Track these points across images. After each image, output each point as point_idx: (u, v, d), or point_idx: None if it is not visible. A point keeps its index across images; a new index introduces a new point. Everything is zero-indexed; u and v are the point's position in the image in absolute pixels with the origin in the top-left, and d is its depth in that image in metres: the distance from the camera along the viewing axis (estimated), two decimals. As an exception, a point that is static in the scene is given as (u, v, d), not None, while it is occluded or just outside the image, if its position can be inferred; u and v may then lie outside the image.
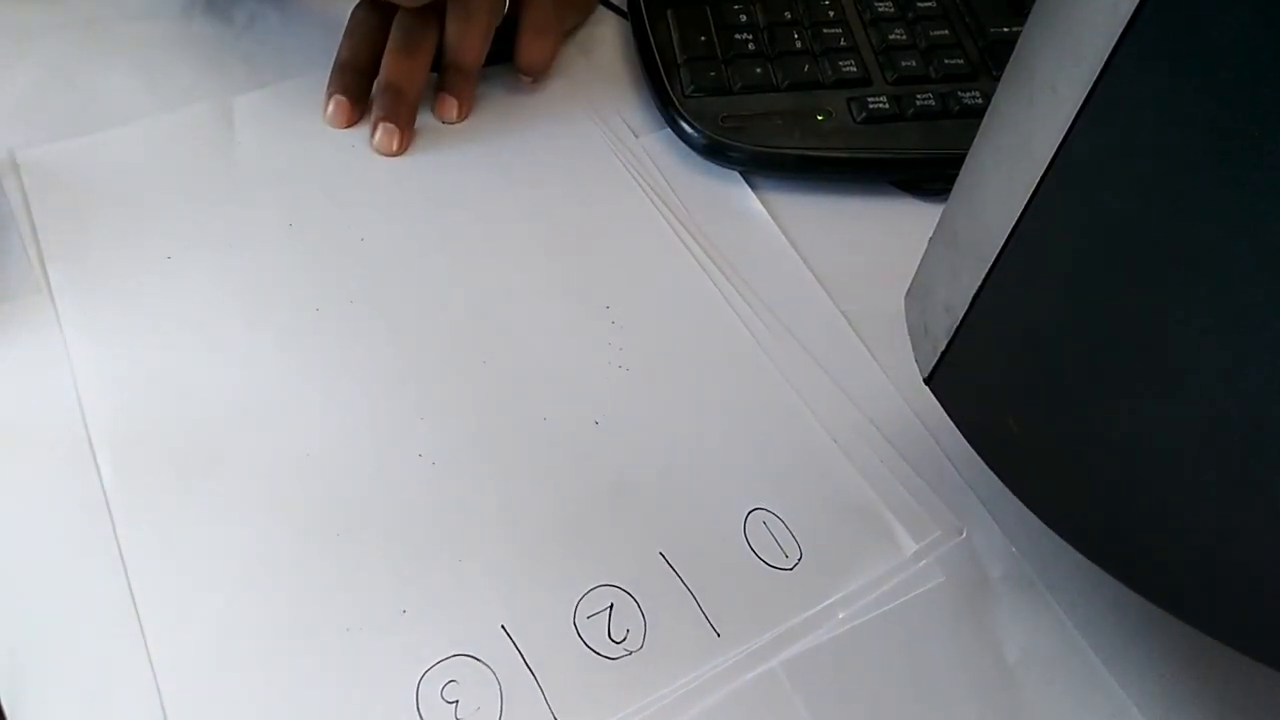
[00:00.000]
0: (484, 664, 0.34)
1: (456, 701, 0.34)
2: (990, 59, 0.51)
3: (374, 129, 0.49)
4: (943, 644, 0.36)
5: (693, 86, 0.50)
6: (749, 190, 0.49)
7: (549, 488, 0.39)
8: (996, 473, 0.33)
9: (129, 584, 0.35)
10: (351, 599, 0.35)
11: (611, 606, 0.36)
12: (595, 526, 0.38)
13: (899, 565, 0.38)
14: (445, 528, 0.37)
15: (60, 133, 0.48)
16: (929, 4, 0.53)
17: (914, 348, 0.34)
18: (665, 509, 0.38)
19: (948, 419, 0.34)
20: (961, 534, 0.39)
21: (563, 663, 0.35)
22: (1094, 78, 0.23)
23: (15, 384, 0.40)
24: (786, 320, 0.45)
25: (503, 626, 0.35)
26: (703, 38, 0.52)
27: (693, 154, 0.50)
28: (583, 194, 0.49)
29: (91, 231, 0.45)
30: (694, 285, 0.46)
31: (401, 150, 0.49)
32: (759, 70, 0.50)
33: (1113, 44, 0.22)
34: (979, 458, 0.33)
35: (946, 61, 0.51)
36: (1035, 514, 0.32)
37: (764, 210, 0.49)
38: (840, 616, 0.36)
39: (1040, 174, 0.25)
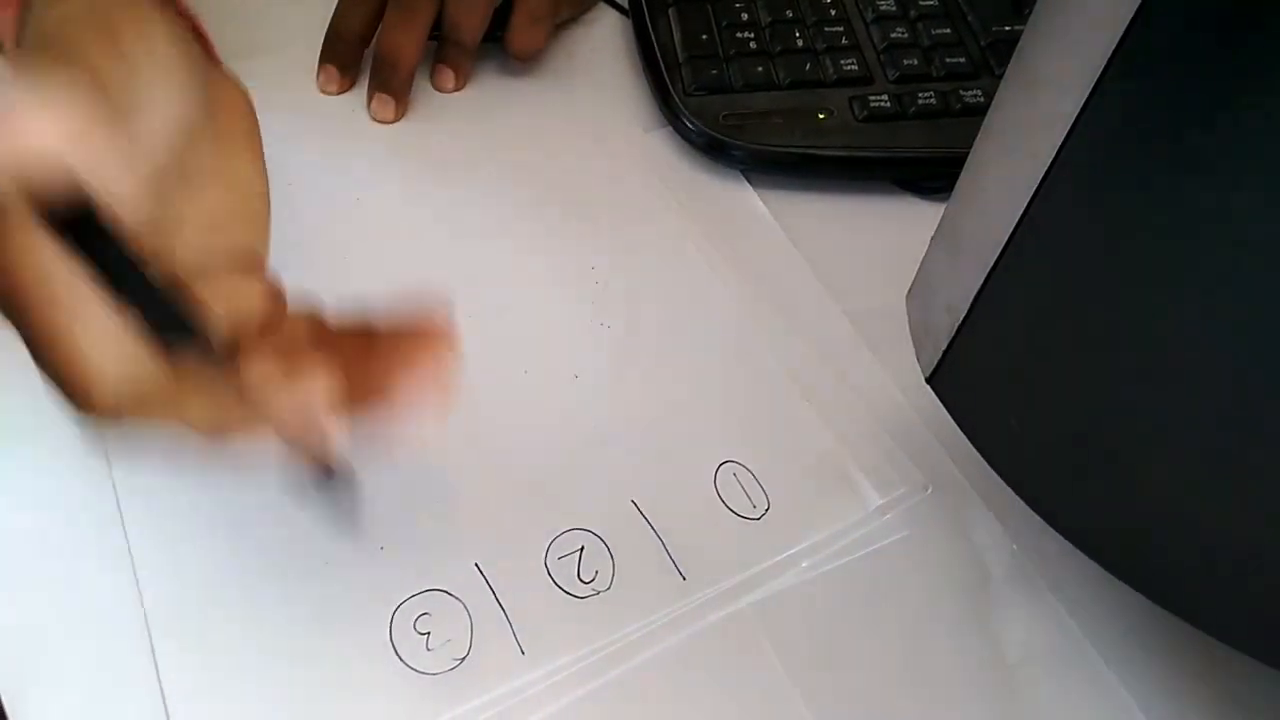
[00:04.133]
0: (456, 599, 0.36)
1: (428, 633, 0.35)
2: (992, 58, 0.51)
3: (370, 98, 0.50)
4: (943, 641, 0.37)
5: (694, 84, 0.50)
6: (750, 189, 0.49)
7: (527, 437, 0.40)
8: (998, 472, 0.33)
9: (136, 581, 0.35)
10: (332, 536, 0.37)
11: (582, 549, 0.37)
12: (570, 474, 0.39)
13: (863, 519, 0.39)
14: (425, 471, 0.39)
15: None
16: (931, 2, 0.53)
17: (915, 347, 0.34)
18: (639, 460, 0.40)
19: (949, 417, 0.34)
20: (927, 490, 0.40)
21: (532, 600, 0.36)
22: (1095, 77, 0.23)
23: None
24: (786, 318, 0.45)
25: (476, 564, 0.37)
26: (704, 35, 0.52)
27: (694, 152, 0.50)
28: (573, 163, 0.50)
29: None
30: (678, 250, 0.47)
31: (397, 118, 0.51)
32: (760, 68, 0.50)
33: (1114, 44, 0.22)
34: (980, 456, 0.33)
35: (948, 60, 0.51)
36: (1037, 513, 0.32)
37: (765, 209, 0.49)
38: (804, 565, 0.38)
39: (1042, 174, 0.25)
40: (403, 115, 0.51)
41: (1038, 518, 0.32)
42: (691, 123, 0.49)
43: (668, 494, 0.39)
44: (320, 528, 0.36)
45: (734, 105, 0.49)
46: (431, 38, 0.51)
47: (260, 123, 0.48)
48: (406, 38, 0.50)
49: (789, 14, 0.53)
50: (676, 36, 0.52)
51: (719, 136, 0.49)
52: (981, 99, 0.49)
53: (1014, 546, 0.39)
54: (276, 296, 0.31)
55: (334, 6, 0.51)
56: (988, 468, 0.33)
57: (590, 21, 0.57)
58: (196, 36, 0.34)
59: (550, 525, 0.38)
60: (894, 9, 0.53)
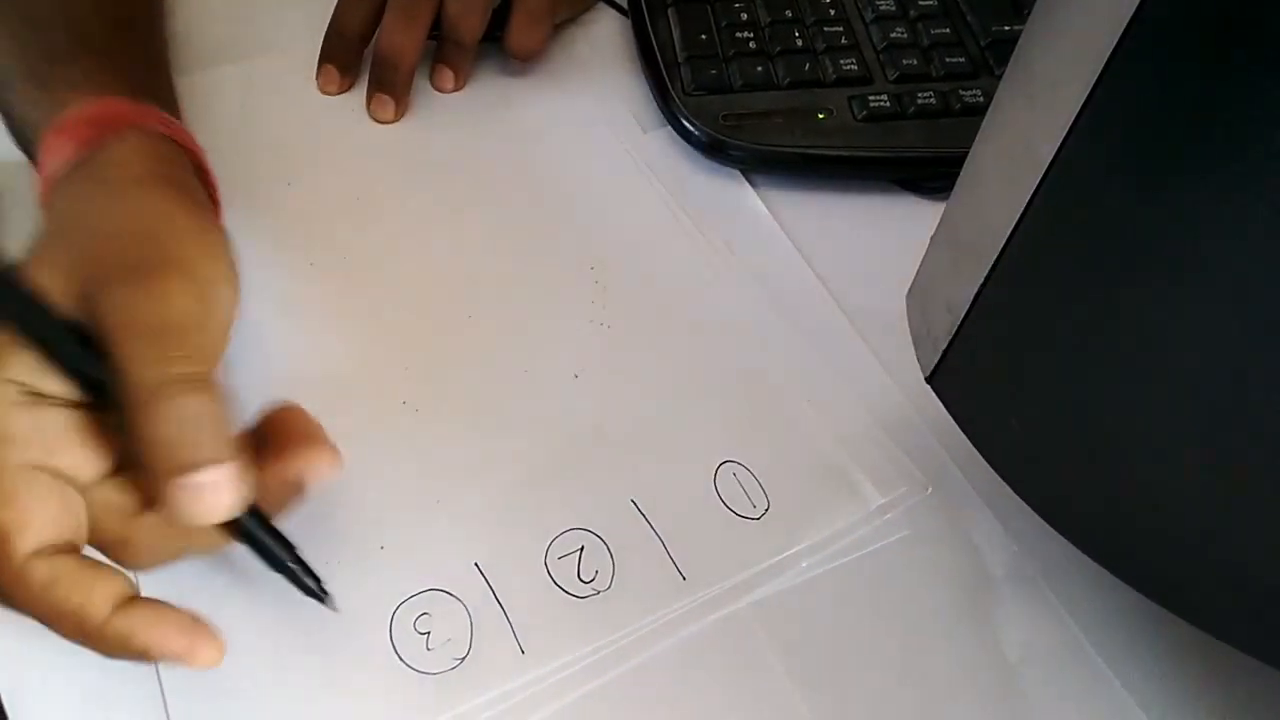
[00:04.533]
0: (456, 599, 0.36)
1: (428, 633, 0.35)
2: (991, 57, 0.51)
3: (369, 98, 0.50)
4: (943, 641, 0.37)
5: (693, 84, 0.50)
6: (749, 188, 0.49)
7: (527, 436, 0.40)
8: (998, 471, 0.33)
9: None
10: (332, 534, 0.37)
11: (582, 549, 0.37)
12: (570, 474, 0.39)
13: (864, 518, 0.39)
14: (425, 471, 0.39)
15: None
16: (930, 2, 0.53)
17: (916, 347, 0.34)
18: (639, 459, 0.40)
19: (949, 416, 0.34)
20: (927, 490, 0.40)
21: (532, 600, 0.36)
22: (1095, 77, 0.23)
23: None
24: (786, 318, 0.45)
25: (476, 564, 0.37)
26: (704, 35, 0.52)
27: (693, 152, 0.50)
28: (573, 163, 0.50)
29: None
30: (678, 250, 0.47)
31: (397, 118, 0.51)
32: (760, 68, 0.50)
33: (1113, 44, 0.22)
34: (981, 456, 0.33)
35: (948, 60, 0.51)
36: (1037, 512, 0.32)
37: (764, 208, 0.49)
38: (804, 565, 0.38)
39: (1041, 173, 0.25)
40: (402, 115, 0.51)
41: (1038, 517, 0.32)
42: (691, 122, 0.49)
43: (668, 494, 0.39)
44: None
45: (733, 105, 0.49)
46: (431, 37, 0.51)
47: (264, 124, 0.48)
48: (406, 37, 0.50)
49: (788, 14, 0.53)
50: (676, 36, 0.52)
51: (718, 136, 0.49)
52: (981, 99, 0.49)
53: (1014, 546, 0.39)
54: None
55: (334, 6, 0.51)
56: (988, 467, 0.33)
57: (589, 21, 0.57)
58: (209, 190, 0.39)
59: (551, 524, 0.38)
60: (893, 9, 0.53)
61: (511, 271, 0.45)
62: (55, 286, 0.29)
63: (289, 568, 0.32)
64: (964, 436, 0.34)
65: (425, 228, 0.47)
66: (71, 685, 0.34)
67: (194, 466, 0.28)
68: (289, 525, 0.32)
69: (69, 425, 0.29)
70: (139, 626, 0.29)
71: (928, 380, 0.34)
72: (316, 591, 0.32)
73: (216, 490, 0.28)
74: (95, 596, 0.28)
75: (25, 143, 0.40)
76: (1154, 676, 0.36)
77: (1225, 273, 0.23)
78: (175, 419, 0.28)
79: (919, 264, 0.34)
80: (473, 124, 0.51)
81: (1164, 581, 0.30)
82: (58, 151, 0.36)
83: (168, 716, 0.33)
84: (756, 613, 0.37)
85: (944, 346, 0.32)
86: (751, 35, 0.52)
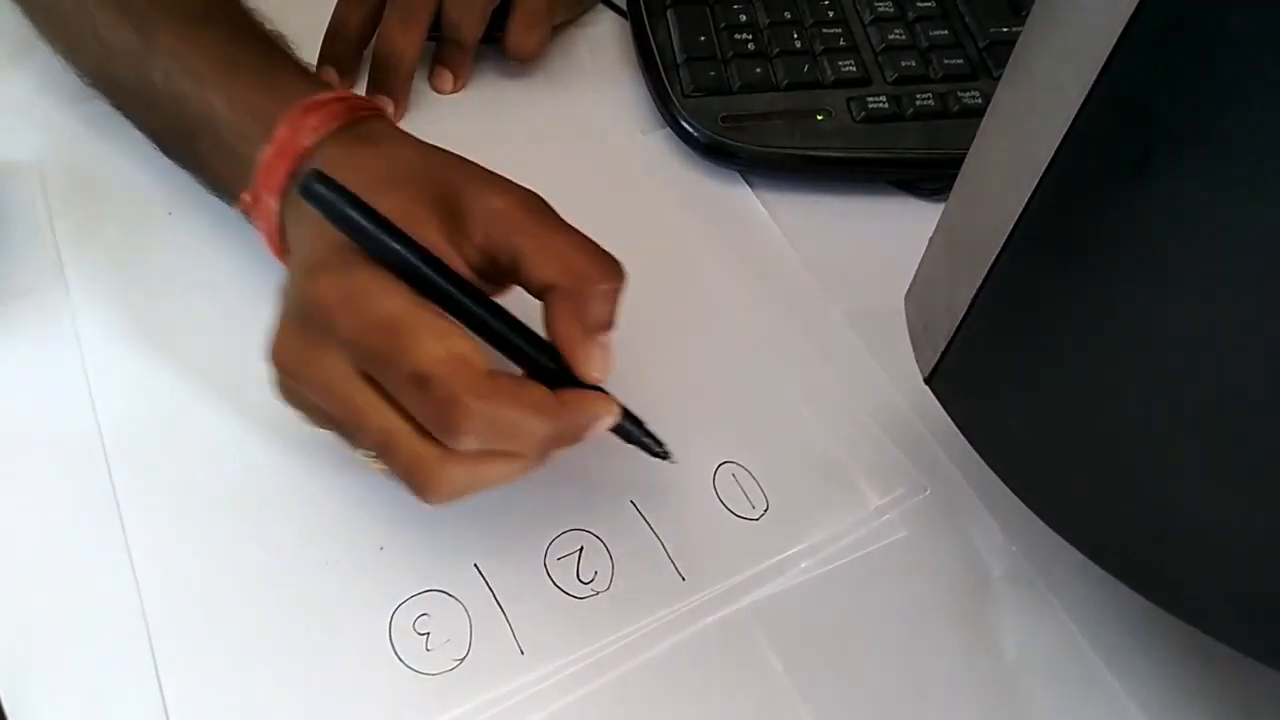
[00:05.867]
0: (456, 599, 0.36)
1: (428, 634, 0.35)
2: (990, 59, 0.51)
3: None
4: (942, 642, 0.37)
5: (692, 86, 0.50)
6: (748, 189, 0.49)
7: None
8: (997, 472, 0.33)
9: (136, 582, 0.35)
10: (332, 536, 0.37)
11: (581, 550, 0.38)
12: (570, 475, 0.39)
13: (862, 519, 0.39)
14: None
15: (59, 135, 0.48)
16: (929, 4, 0.53)
17: (914, 348, 0.34)
18: (639, 460, 0.39)
19: (947, 418, 0.34)
20: (925, 491, 0.40)
21: (531, 600, 0.36)
22: (1094, 78, 0.23)
23: (19, 361, 0.40)
24: (785, 319, 0.45)
25: (475, 565, 0.37)
26: (702, 37, 0.52)
27: (692, 153, 0.50)
28: (572, 165, 0.50)
29: (98, 187, 0.46)
30: (677, 251, 0.47)
31: (396, 120, 0.50)
32: (759, 70, 0.50)
33: (1113, 44, 0.22)
34: (979, 457, 0.33)
35: (946, 61, 0.51)
36: (1036, 513, 0.32)
37: (763, 210, 0.49)
38: (803, 565, 0.38)
39: (1040, 174, 0.25)
40: (401, 116, 0.51)
41: (1036, 518, 0.32)
42: (690, 124, 0.49)
43: (667, 494, 0.39)
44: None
45: (732, 107, 0.50)
46: (430, 38, 0.51)
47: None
48: (405, 39, 0.50)
49: (787, 15, 0.53)
50: (675, 38, 0.52)
51: (717, 138, 0.49)
52: (979, 100, 0.50)
53: (1012, 547, 0.39)
54: None
55: (334, 7, 0.51)
56: (986, 468, 0.33)
57: (588, 23, 0.57)
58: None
59: (550, 525, 0.38)
60: (892, 10, 0.53)
61: (511, 272, 0.45)
62: (418, 207, 0.35)
63: (642, 441, 0.36)
64: (962, 437, 0.34)
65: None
66: (71, 685, 0.34)
67: (608, 327, 0.35)
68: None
69: None
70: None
71: (926, 381, 0.34)
72: (661, 454, 0.37)
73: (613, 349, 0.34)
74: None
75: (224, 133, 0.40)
76: (1152, 677, 0.36)
77: (1225, 272, 0.23)
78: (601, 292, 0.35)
79: (918, 265, 0.34)
80: (471, 125, 0.51)
81: (1163, 582, 0.30)
82: (310, 128, 0.38)
83: (167, 717, 0.33)
84: (756, 613, 0.37)
85: (942, 347, 0.32)
86: (750, 37, 0.52)
